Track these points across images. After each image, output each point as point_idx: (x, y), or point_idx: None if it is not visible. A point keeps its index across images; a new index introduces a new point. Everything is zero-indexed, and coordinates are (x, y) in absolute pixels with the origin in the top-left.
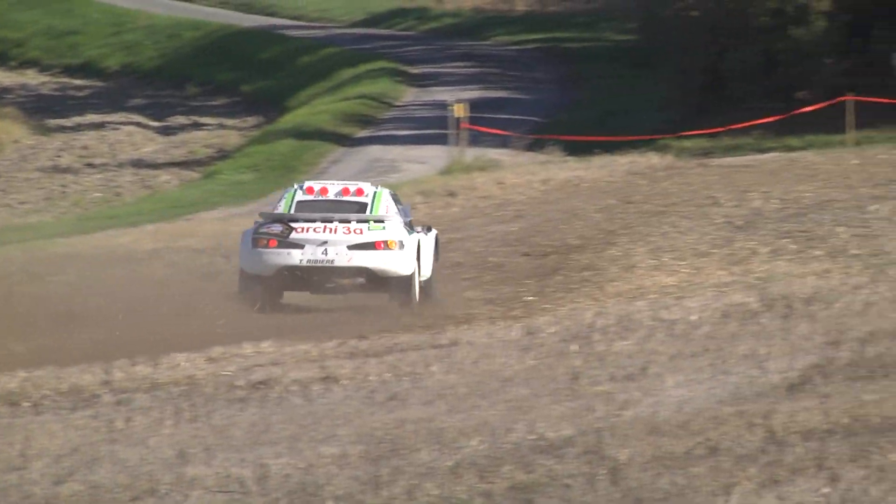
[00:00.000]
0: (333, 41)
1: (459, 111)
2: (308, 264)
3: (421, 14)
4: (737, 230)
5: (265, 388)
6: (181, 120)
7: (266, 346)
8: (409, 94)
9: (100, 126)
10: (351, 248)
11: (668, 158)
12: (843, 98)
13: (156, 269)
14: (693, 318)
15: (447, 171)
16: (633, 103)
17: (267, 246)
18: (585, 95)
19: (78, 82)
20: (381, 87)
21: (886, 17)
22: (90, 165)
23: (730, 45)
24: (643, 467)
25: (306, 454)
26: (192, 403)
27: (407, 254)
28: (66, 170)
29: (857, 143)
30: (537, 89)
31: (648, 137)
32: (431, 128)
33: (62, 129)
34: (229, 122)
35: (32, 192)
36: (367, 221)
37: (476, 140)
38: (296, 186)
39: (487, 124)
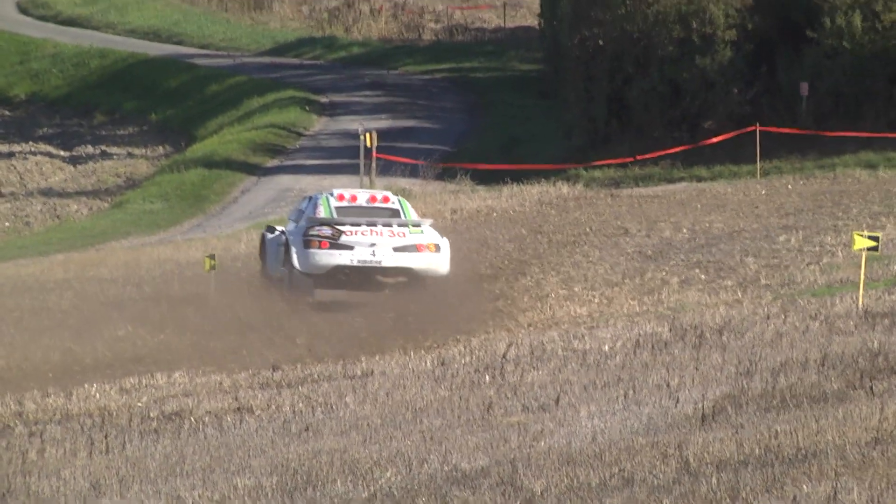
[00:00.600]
0: (242, 70)
1: (369, 140)
2: (358, 264)
3: (329, 43)
4: (647, 260)
5: (178, 419)
6: (90, 149)
7: (178, 376)
8: (319, 124)
9: (8, 156)
10: (396, 249)
11: (578, 188)
12: (750, 128)
13: (65, 299)
14: (605, 348)
15: None
16: (539, 131)
17: (319, 247)
18: (492, 124)
19: None
20: (290, 116)
21: (791, 45)
22: None
23: (635, 73)
24: (558, 498)
25: (220, 486)
26: (106, 434)
27: (443, 256)
28: None
29: (765, 174)
30: (445, 118)
31: (558, 167)
32: (341, 157)
33: None
34: (138, 150)
35: None
36: (406, 226)
37: (386, 169)
38: (324, 194)
39: (397, 153)
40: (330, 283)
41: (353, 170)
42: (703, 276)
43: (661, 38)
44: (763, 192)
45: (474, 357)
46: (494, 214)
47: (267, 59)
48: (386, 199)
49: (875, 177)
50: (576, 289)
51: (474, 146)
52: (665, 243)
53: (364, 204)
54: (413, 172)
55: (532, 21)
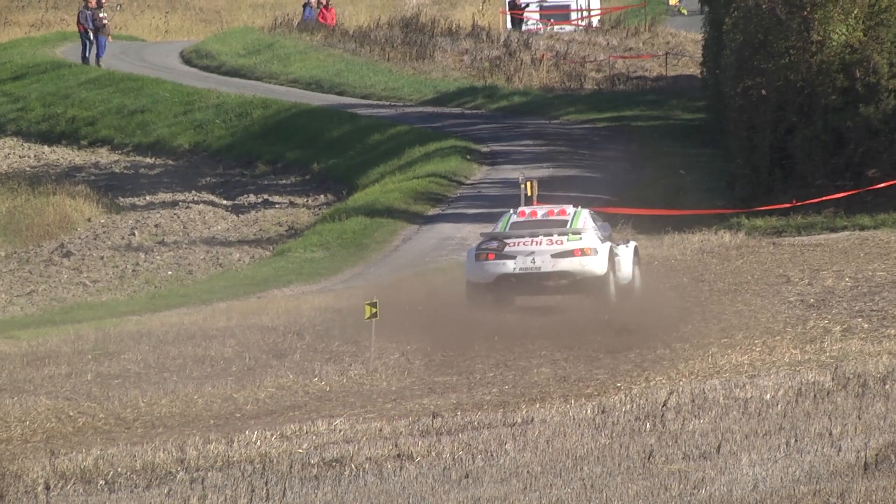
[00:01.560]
0: (403, 120)
1: (530, 189)
2: (520, 271)
3: (490, 92)
4: (810, 308)
5: (339, 465)
6: (251, 198)
7: (339, 423)
8: (480, 173)
9: (171, 205)
10: (554, 256)
11: (740, 237)
12: None
13: (227, 346)
14: (767, 396)
15: None
16: (702, 181)
17: (486, 259)
18: (654, 173)
19: (149, 161)
20: (451, 165)
21: None
22: (162, 243)
23: (798, 122)
24: None
25: None
26: (266, 481)
27: (600, 258)
28: (138, 248)
29: None
30: (607, 167)
31: (718, 212)
32: (502, 205)
33: (134, 207)
34: (299, 200)
35: (105, 270)
36: (566, 234)
37: None
38: (511, 211)
39: (558, 202)
40: (499, 291)
41: None
42: (866, 325)
43: (825, 87)
44: None
45: (635, 405)
46: (655, 263)
47: (428, 109)
48: (563, 212)
49: None
50: (737, 337)
51: (636, 195)
52: (827, 292)
53: (539, 218)
54: None
55: (694, 70)
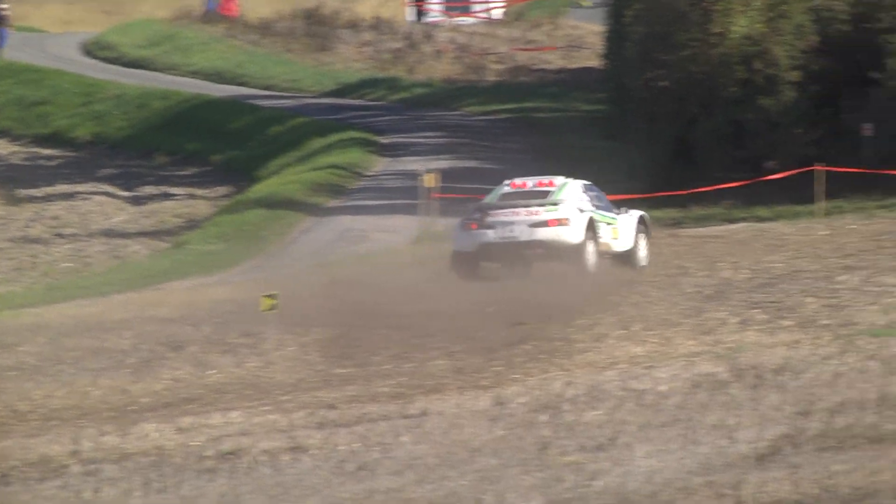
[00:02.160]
0: (304, 111)
1: (430, 181)
2: (499, 240)
3: (392, 84)
4: (706, 300)
5: (234, 458)
6: (151, 190)
7: (235, 415)
8: (380, 164)
9: (70, 196)
10: (531, 225)
11: None
12: (812, 168)
13: (124, 339)
14: (662, 388)
15: (418, 241)
16: (602, 173)
17: (470, 228)
18: (555, 165)
19: (48, 152)
20: (351, 156)
21: (854, 86)
22: (60, 235)
23: (699, 114)
24: None
25: None
26: (161, 474)
27: (574, 228)
28: (35, 240)
29: (827, 214)
30: (508, 159)
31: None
32: (402, 197)
33: (32, 199)
34: (199, 191)
35: (2, 262)
36: (544, 205)
37: (447, 210)
38: (505, 183)
39: (461, 193)
40: (480, 259)
41: (413, 210)
42: (762, 317)
43: (726, 80)
44: (824, 232)
45: (531, 397)
46: None
47: (330, 101)
48: (551, 184)
49: None
50: (634, 328)
51: None
52: (725, 283)
53: (528, 189)
54: None
55: (595, 62)
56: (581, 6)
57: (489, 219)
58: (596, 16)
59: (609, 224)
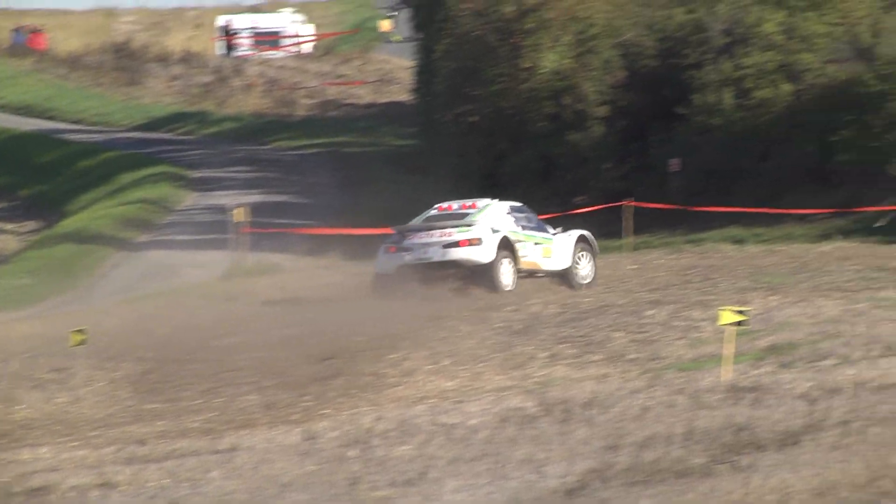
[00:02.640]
0: (114, 145)
1: (239, 216)
2: (415, 262)
3: (201, 118)
4: (515, 335)
5: (43, 494)
6: None
7: (44, 451)
8: (190, 199)
9: None
10: (444, 247)
11: None
12: (620, 203)
13: None
14: (472, 422)
15: (228, 276)
16: (413, 207)
17: (389, 251)
18: (365, 200)
19: None
20: (161, 191)
21: (661, 122)
22: None
23: (508, 149)
24: None
25: None
26: None
27: (485, 248)
28: None
29: (635, 248)
30: (317, 193)
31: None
32: (212, 232)
33: None
34: (7, 226)
35: None
36: (458, 226)
37: (257, 244)
38: (434, 206)
39: (269, 228)
40: (400, 280)
41: (223, 244)
42: (570, 351)
43: (535, 115)
44: (632, 266)
45: (341, 431)
46: (366, 289)
47: (140, 134)
48: (473, 206)
49: (743, 251)
50: (443, 363)
51: (348, 223)
52: (533, 318)
53: (452, 212)
54: (285, 247)
55: (405, 97)
56: (391, 41)
57: (407, 241)
58: (406, 50)
59: (538, 244)
